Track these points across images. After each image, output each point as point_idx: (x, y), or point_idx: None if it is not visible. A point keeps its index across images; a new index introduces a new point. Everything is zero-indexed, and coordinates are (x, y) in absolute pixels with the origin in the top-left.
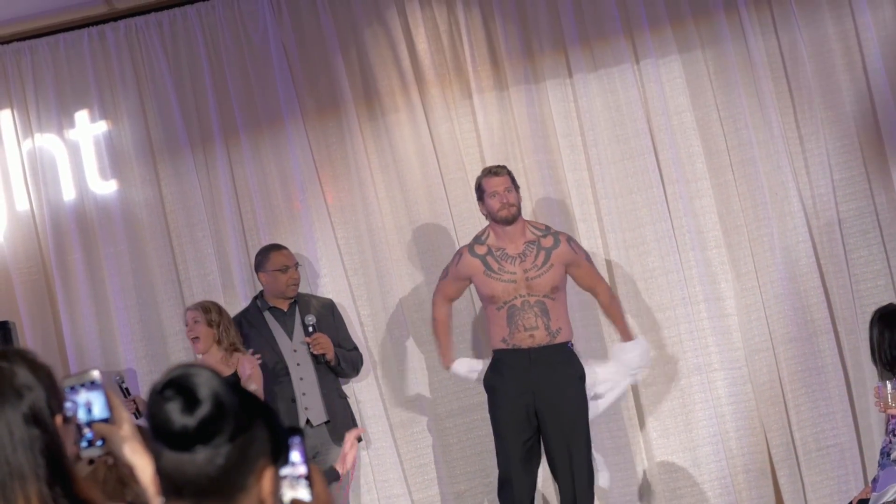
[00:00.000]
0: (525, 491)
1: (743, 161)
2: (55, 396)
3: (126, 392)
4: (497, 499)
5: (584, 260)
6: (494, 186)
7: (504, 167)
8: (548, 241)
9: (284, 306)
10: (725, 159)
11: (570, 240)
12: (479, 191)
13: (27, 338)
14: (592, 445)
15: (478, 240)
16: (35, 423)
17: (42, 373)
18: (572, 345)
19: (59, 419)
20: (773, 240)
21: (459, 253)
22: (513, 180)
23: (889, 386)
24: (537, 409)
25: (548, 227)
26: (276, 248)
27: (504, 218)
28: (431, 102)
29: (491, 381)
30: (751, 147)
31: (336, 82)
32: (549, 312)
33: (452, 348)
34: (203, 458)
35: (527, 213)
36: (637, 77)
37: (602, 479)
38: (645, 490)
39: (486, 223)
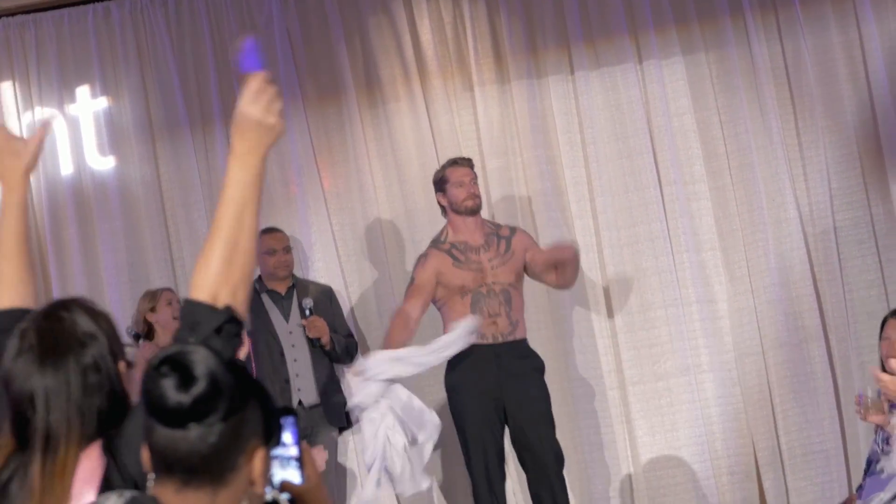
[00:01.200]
0: (503, 493)
1: (741, 165)
2: (116, 342)
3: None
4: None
5: (537, 245)
6: (460, 176)
7: (469, 159)
8: (505, 231)
9: (282, 289)
10: (724, 163)
11: (524, 230)
12: (442, 182)
13: None
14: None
15: (437, 241)
16: (97, 372)
17: (102, 319)
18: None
19: (122, 365)
20: (767, 245)
21: (424, 255)
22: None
23: (870, 393)
24: (506, 404)
25: (498, 224)
26: (268, 231)
27: (469, 208)
28: (432, 93)
29: (453, 380)
30: (750, 152)
31: (338, 69)
32: (512, 302)
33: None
34: (195, 436)
35: (524, 207)
36: (639, 77)
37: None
38: (628, 488)
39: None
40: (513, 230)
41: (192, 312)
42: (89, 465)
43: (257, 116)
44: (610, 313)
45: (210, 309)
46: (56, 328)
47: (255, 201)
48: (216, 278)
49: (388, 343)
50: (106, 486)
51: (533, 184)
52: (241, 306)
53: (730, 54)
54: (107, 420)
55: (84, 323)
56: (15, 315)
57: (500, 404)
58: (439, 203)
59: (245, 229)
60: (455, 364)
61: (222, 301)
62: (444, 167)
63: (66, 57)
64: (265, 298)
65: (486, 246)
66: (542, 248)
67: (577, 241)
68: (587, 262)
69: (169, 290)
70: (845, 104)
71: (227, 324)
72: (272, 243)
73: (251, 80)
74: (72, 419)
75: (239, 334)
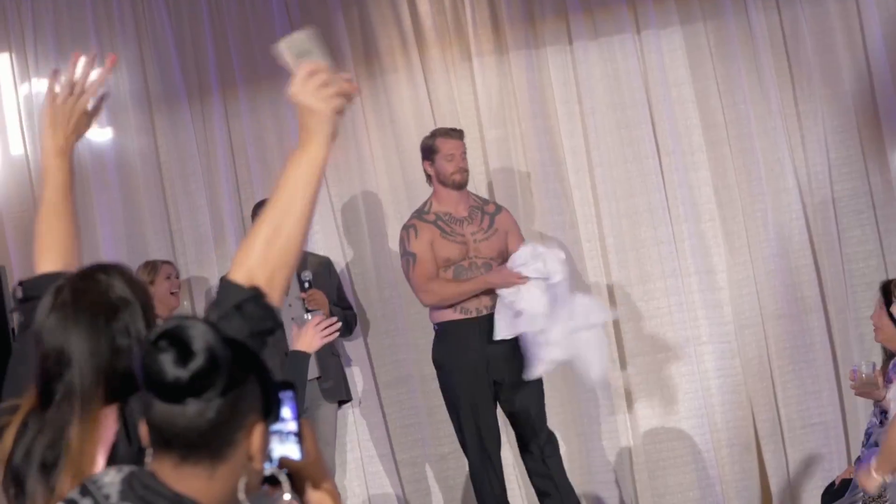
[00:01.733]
0: (500, 466)
1: (740, 135)
2: (150, 312)
3: None
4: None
5: (519, 232)
6: (452, 149)
7: (461, 130)
8: (490, 208)
9: None
10: (723, 133)
11: (508, 212)
12: (431, 151)
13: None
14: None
15: (420, 212)
16: (127, 336)
17: (138, 288)
18: None
19: None
20: (766, 216)
21: (411, 227)
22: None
23: (864, 368)
24: (495, 378)
25: (486, 199)
26: (265, 202)
27: (457, 182)
28: (431, 64)
29: (440, 356)
30: (748, 122)
31: (336, 40)
32: None
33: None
34: (193, 411)
35: (522, 178)
36: (637, 47)
37: None
38: (627, 461)
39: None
40: (498, 208)
41: (221, 289)
42: (105, 428)
43: (304, 102)
44: (609, 285)
45: (236, 286)
46: (91, 288)
47: (309, 188)
48: (254, 259)
49: (446, 298)
50: (112, 453)
51: (531, 154)
52: (276, 293)
53: (728, 24)
54: (128, 386)
55: (120, 287)
56: (51, 279)
57: (489, 377)
58: (426, 171)
59: (293, 214)
60: (441, 340)
61: (257, 283)
62: (434, 135)
63: (62, 28)
64: None
65: (469, 219)
66: (521, 236)
67: (576, 211)
68: (586, 234)
69: (169, 263)
70: (843, 74)
71: (249, 302)
72: None
73: (303, 66)
74: (100, 381)
75: (265, 318)
